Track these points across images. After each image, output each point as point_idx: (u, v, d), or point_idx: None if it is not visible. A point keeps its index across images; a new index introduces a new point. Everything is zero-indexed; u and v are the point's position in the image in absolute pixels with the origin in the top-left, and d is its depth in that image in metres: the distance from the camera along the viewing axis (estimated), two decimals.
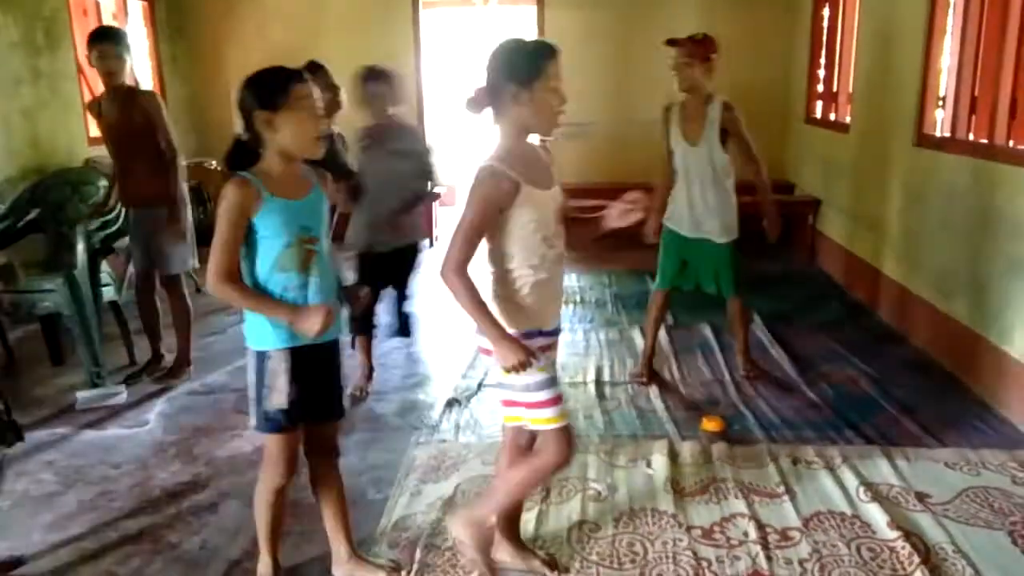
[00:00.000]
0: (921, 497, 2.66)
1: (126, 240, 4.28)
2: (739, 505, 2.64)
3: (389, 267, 3.67)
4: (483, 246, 2.02)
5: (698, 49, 3.40)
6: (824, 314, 4.80)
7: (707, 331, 4.44)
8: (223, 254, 1.92)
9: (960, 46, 3.89)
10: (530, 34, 7.21)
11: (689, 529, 2.51)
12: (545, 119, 2.01)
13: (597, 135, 6.88)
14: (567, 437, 2.08)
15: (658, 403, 3.55)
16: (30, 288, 3.92)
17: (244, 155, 1.99)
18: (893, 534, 2.43)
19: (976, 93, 3.77)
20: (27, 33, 5.21)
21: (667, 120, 3.59)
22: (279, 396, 2.01)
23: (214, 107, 7.16)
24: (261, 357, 2.01)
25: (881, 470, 2.85)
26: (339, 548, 2.31)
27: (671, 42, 3.45)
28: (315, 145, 1.99)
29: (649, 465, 2.92)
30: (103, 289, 4.12)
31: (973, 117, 3.79)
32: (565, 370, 3.86)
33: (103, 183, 4.13)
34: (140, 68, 6.75)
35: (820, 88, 6.35)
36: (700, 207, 3.52)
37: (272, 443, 2.09)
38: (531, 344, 2.01)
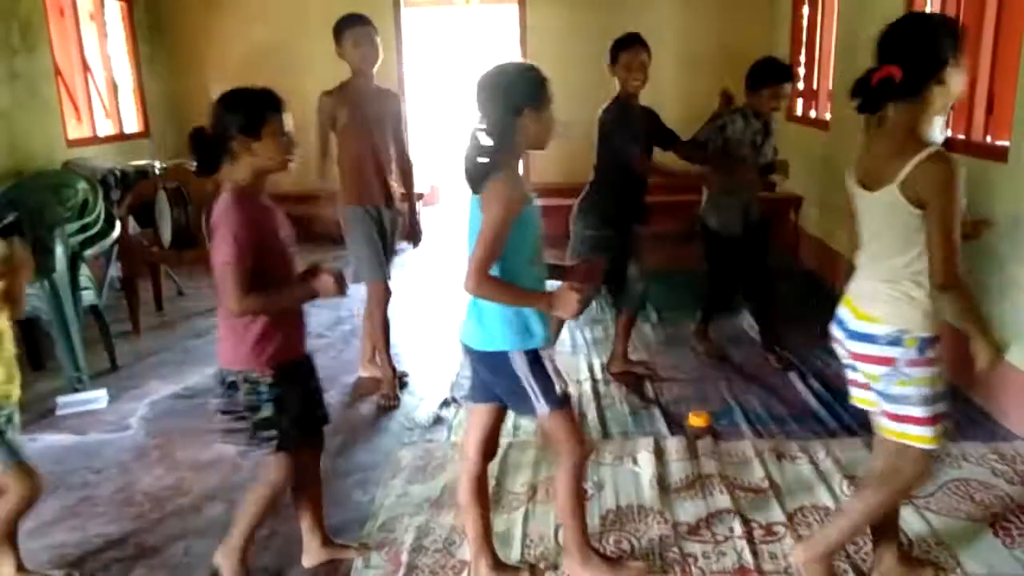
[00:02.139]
0: None
1: (106, 243, 4.23)
2: (724, 501, 2.65)
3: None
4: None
5: None
6: (808, 310, 4.83)
7: (694, 326, 4.45)
8: (493, 253, 1.87)
9: None
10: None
11: (675, 525, 2.53)
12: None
13: (578, 135, 6.87)
14: (929, 459, 1.95)
15: (651, 399, 3.58)
16: None
17: (491, 160, 1.89)
18: None
19: None
20: (2, 33, 5.14)
21: None
22: (560, 379, 2.05)
23: (193, 106, 7.08)
24: (534, 354, 2.00)
25: (863, 463, 2.86)
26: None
27: None
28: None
29: (635, 462, 2.94)
30: (83, 293, 4.05)
31: (951, 114, 3.83)
32: None
33: (82, 186, 4.08)
34: (118, 68, 6.69)
35: (801, 86, 6.39)
36: None
37: (567, 417, 2.09)
38: (939, 350, 1.89)
